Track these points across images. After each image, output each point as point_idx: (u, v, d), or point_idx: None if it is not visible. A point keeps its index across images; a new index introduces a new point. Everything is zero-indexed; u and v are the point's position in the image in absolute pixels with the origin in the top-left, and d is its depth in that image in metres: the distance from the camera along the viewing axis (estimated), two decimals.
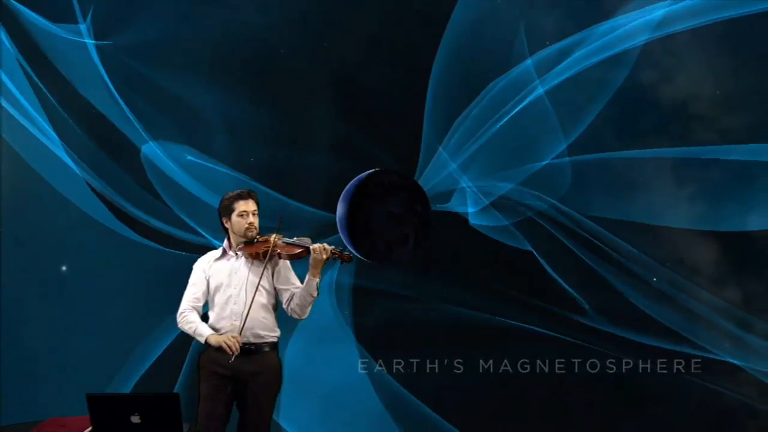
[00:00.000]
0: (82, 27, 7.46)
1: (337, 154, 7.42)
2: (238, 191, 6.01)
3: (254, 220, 5.94)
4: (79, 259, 7.74)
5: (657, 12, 6.57)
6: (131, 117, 7.40)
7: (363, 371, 7.32)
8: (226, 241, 6.04)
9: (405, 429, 7.26)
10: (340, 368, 7.41)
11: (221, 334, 5.82)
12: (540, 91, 6.80)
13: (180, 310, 5.94)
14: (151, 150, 7.57)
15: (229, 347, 5.72)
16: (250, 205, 5.94)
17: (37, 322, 7.75)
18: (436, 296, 7.20)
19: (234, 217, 5.94)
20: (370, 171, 7.41)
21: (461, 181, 7.15)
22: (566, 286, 6.94)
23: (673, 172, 6.69)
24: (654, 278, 6.73)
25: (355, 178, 7.42)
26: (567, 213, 6.89)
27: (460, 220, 7.21)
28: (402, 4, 7.31)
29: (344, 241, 7.40)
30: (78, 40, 7.45)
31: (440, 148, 7.18)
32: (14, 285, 7.80)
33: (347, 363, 7.40)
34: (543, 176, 6.89)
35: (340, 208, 7.41)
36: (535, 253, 7.01)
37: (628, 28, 6.62)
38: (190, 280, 6.01)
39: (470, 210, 7.16)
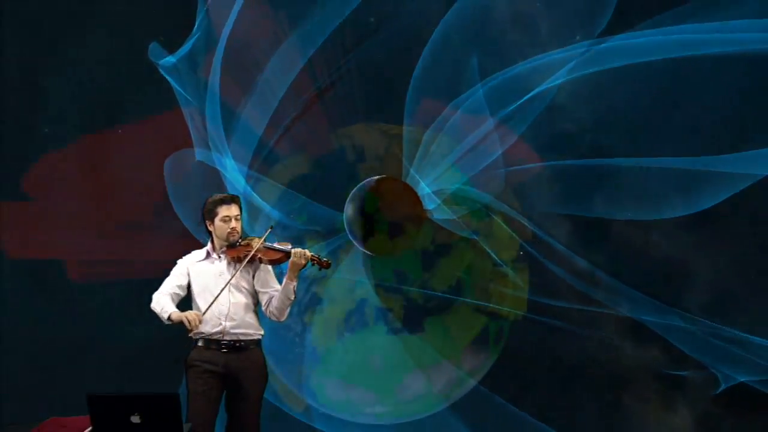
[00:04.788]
0: None
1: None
2: (221, 195, 6.11)
3: (237, 225, 6.02)
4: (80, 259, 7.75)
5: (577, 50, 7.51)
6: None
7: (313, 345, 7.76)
8: (209, 244, 6.11)
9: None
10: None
11: (204, 334, 5.93)
12: (490, 124, 7.59)
13: (157, 292, 6.01)
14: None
15: (189, 321, 5.79)
16: (233, 210, 6.02)
17: (38, 322, 7.74)
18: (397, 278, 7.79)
19: (217, 221, 6.02)
20: (378, 177, 7.71)
21: (425, 188, 7.74)
22: (504, 265, 7.68)
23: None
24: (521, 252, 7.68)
25: (364, 182, 7.72)
26: (501, 208, 7.67)
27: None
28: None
29: (351, 238, 7.70)
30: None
31: (412, 170, 7.70)
32: (16, 285, 7.79)
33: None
34: (484, 179, 7.68)
35: (349, 209, 7.71)
36: (478, 240, 7.67)
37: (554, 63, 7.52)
38: (172, 273, 6.09)
39: (430, 207, 7.71)
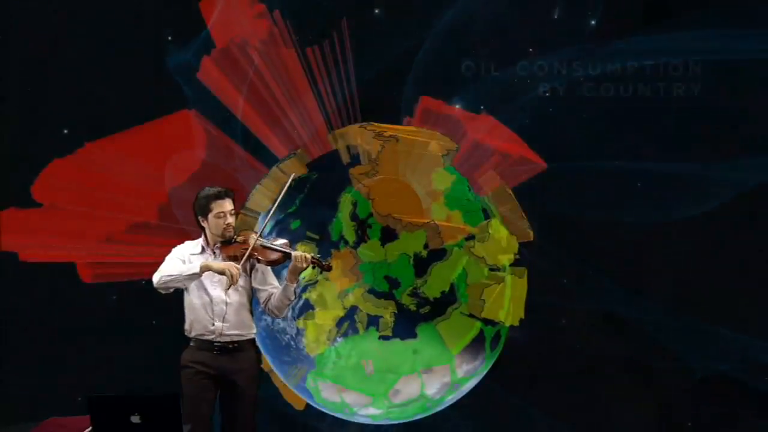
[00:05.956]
0: None
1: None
2: (215, 190, 5.86)
3: (231, 221, 5.82)
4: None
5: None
6: None
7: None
8: (203, 239, 5.93)
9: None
10: None
11: (197, 335, 5.88)
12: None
13: (161, 269, 5.81)
14: None
15: (232, 275, 5.65)
16: (226, 205, 5.81)
17: (38, 322, 7.76)
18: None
19: (211, 217, 5.82)
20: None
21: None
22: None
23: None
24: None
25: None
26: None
27: None
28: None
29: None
30: None
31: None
32: (16, 285, 7.81)
33: None
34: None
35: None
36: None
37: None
38: (173, 256, 5.88)
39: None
